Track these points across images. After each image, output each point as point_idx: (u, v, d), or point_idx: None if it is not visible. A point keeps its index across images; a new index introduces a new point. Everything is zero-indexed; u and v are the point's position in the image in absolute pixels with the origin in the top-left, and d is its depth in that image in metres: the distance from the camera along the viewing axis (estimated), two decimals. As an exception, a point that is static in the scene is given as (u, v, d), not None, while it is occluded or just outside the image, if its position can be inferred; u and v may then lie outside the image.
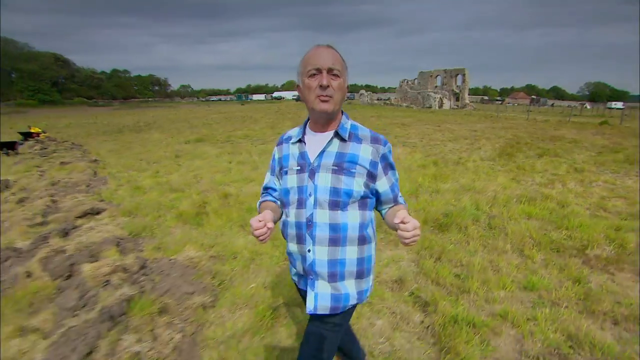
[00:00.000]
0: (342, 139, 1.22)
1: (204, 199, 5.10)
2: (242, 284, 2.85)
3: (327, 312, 1.25)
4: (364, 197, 1.23)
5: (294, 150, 1.30)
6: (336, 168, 1.19)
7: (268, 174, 1.45)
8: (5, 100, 56.33)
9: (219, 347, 2.18)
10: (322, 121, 1.24)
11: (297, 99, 78.44)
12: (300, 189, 1.24)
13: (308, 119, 1.32)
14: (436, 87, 45.08)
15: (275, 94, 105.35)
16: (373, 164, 1.22)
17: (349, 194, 1.19)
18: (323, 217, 1.20)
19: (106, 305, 2.35)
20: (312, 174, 1.22)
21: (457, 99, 41.77)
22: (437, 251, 3.34)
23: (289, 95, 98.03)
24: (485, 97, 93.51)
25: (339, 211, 1.20)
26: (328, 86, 1.13)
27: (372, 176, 1.23)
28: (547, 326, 2.31)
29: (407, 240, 1.03)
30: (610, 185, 5.83)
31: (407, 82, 48.42)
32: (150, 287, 2.67)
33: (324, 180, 1.20)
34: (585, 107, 50.86)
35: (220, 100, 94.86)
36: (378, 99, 55.67)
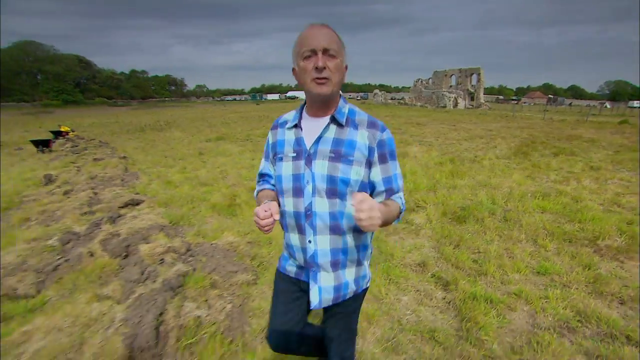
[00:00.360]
0: (339, 124, 1.17)
1: (233, 192, 5.46)
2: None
3: (330, 303, 1.26)
4: (363, 185, 1.20)
5: (289, 135, 1.25)
6: (333, 155, 1.15)
7: (263, 160, 1.41)
8: (32, 101, 58.67)
9: (264, 317, 2.50)
10: (318, 105, 1.19)
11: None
12: (297, 177, 1.20)
13: (305, 103, 1.28)
14: (451, 86, 44.84)
15: (289, 94, 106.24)
16: (370, 150, 1.17)
17: (346, 183, 1.15)
18: (322, 205, 1.17)
19: (166, 278, 2.70)
20: (309, 161, 1.17)
21: (472, 99, 41.49)
22: (456, 239, 3.60)
23: (302, 95, 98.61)
24: (501, 97, 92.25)
25: (338, 199, 1.17)
26: (324, 68, 1.08)
27: (370, 164, 1.19)
28: (557, 304, 2.56)
29: (362, 222, 0.97)
30: (626, 182, 5.96)
31: (422, 81, 48.28)
32: (199, 265, 3.02)
33: (321, 167, 1.15)
34: (605, 107, 49.80)
35: (235, 100, 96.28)
36: (392, 99, 55.60)
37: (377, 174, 1.20)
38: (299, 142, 1.21)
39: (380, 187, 1.22)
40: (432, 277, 2.96)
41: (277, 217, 1.12)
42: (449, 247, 3.46)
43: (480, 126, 16.49)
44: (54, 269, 3.15)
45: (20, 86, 62.16)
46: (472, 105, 40.40)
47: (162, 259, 3.07)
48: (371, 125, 1.19)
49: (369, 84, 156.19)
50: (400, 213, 1.23)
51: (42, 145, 10.84)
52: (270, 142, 1.34)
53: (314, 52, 1.08)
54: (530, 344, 2.16)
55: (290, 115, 1.29)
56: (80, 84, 70.70)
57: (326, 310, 1.37)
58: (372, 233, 1.33)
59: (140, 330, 2.11)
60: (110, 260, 3.15)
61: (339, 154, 1.15)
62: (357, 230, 1.22)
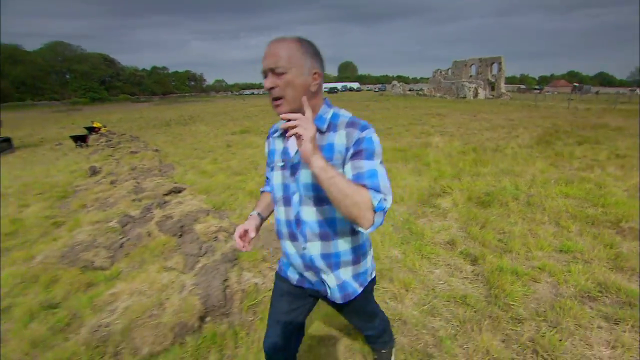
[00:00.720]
0: (320, 131, 1.14)
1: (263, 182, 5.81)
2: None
3: (341, 301, 1.31)
4: None
5: (278, 145, 1.26)
6: None
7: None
8: (62, 99, 61.39)
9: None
10: None
11: (330, 91, 79.06)
12: (285, 187, 1.21)
13: None
14: (471, 76, 44.03)
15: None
16: (346, 150, 1.10)
17: None
18: (310, 214, 1.18)
19: (223, 252, 3.07)
20: (294, 171, 1.18)
21: (493, 89, 40.67)
22: (481, 221, 3.84)
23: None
24: (523, 86, 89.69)
25: (326, 206, 1.15)
26: (272, 88, 1.06)
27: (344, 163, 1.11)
28: (579, 277, 2.78)
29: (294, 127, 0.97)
30: (652, 169, 5.99)
31: (441, 72, 47.56)
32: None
33: (305, 176, 1.15)
34: (636, 93, 47.79)
35: (253, 94, 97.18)
36: (410, 90, 55.02)
37: (348, 171, 1.07)
38: (285, 151, 1.22)
39: None
40: (460, 254, 3.22)
41: (252, 235, 1.31)
42: (475, 227, 3.70)
43: (501, 116, 16.35)
44: (120, 246, 3.58)
45: (51, 85, 65.64)
46: (493, 96, 39.63)
47: (215, 237, 3.45)
48: (350, 124, 1.11)
49: (386, 75, 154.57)
50: (375, 210, 1.00)
51: (80, 140, 11.53)
52: (266, 151, 1.36)
53: (265, 74, 1.08)
54: (553, 308, 2.41)
55: (280, 124, 1.24)
56: (105, 82, 73.59)
57: (337, 306, 1.41)
58: (365, 234, 1.30)
59: (211, 292, 2.48)
60: (169, 238, 3.54)
61: None
62: (348, 233, 1.22)
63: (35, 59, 65.19)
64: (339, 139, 1.11)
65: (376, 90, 76.42)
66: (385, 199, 1.03)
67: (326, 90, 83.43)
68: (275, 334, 1.40)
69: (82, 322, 2.47)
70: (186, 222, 3.86)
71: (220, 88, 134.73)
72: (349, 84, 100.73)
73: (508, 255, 3.16)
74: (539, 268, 2.92)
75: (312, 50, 1.10)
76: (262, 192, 1.52)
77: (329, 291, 1.30)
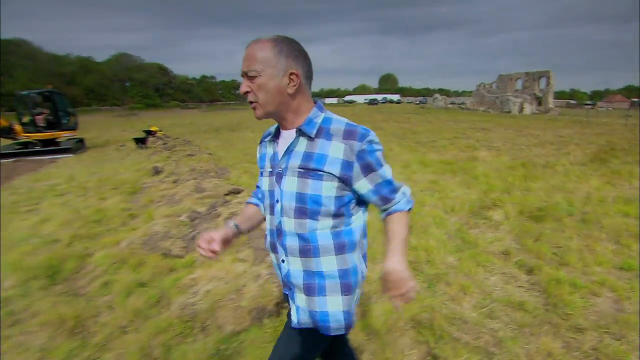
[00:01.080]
0: (309, 137, 1.06)
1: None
2: (379, 245, 3.70)
3: (309, 326, 1.17)
4: (339, 203, 1.07)
5: (269, 149, 1.19)
6: (302, 171, 1.05)
7: None
8: (121, 104, 67.71)
9: (372, 285, 3.03)
10: (277, 121, 1.14)
11: (370, 103, 79.27)
12: (271, 194, 1.15)
13: None
14: (516, 90, 42.52)
15: (347, 98, 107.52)
16: (346, 165, 1.02)
17: (316, 201, 1.04)
18: (290, 225, 1.10)
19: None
20: (280, 178, 1.10)
21: (540, 104, 38.99)
22: (535, 234, 3.87)
23: (360, 99, 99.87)
24: (572, 101, 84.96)
25: (308, 219, 1.07)
26: (246, 92, 1.04)
27: (347, 179, 1.04)
28: (642, 294, 2.77)
29: (400, 299, 1.04)
30: None
31: (485, 85, 46.37)
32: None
33: (290, 184, 1.07)
34: None
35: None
36: (452, 103, 53.89)
37: (364, 186, 1.07)
38: (274, 156, 1.15)
39: (371, 197, 1.11)
40: (515, 264, 3.29)
41: (215, 248, 1.13)
42: (528, 240, 3.74)
43: (549, 132, 15.74)
44: (192, 238, 3.97)
45: (114, 92, 72.79)
46: (540, 111, 37.96)
47: (278, 234, 3.75)
48: (348, 135, 1.03)
49: (427, 88, 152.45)
50: (409, 209, 1.16)
51: (140, 142, 12.54)
52: (257, 156, 1.29)
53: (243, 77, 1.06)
54: (617, 322, 2.43)
55: (273, 128, 1.20)
56: (159, 89, 79.95)
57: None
58: (362, 255, 1.21)
59: (283, 280, 2.75)
60: (236, 233, 3.89)
61: (308, 168, 1.04)
62: (337, 252, 1.10)
63: (103, 69, 73.30)
64: (335, 151, 1.03)
65: (417, 102, 75.53)
66: (404, 193, 1.15)
67: (366, 101, 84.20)
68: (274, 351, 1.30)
69: (169, 300, 2.83)
70: (250, 219, 4.20)
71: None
72: (389, 96, 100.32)
73: (565, 268, 3.19)
74: (599, 283, 2.93)
75: (288, 50, 1.02)
76: (247, 203, 1.39)
77: (295, 313, 1.17)
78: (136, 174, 7.94)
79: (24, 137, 12.17)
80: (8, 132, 12.07)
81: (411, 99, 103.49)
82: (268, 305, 2.57)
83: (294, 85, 1.03)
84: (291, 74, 1.02)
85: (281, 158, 1.11)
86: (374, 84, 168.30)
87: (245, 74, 1.03)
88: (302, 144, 1.07)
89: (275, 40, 1.02)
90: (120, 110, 57.85)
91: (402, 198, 1.14)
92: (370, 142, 1.04)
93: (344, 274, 1.11)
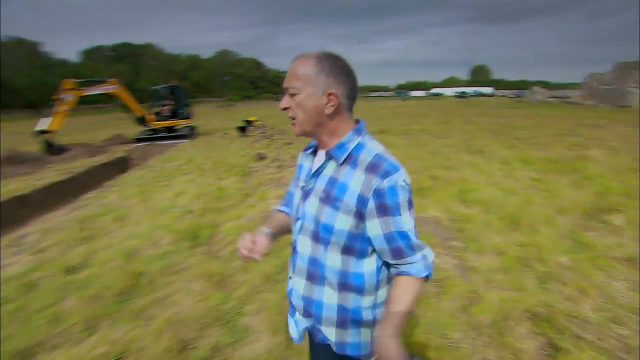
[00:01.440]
0: (336, 162, 1.00)
1: (417, 179, 6.04)
2: (485, 239, 3.58)
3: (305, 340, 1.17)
4: (351, 238, 0.98)
5: (307, 162, 1.14)
6: (323, 196, 1.00)
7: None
8: (221, 97, 76.19)
9: (483, 275, 2.96)
10: (315, 139, 1.09)
11: (459, 96, 74.21)
12: (297, 209, 1.11)
13: None
14: (637, 81, 35.38)
15: (434, 90, 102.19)
16: (361, 199, 0.94)
17: (329, 230, 0.98)
18: (305, 246, 1.06)
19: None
20: (306, 196, 1.07)
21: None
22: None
23: (448, 91, 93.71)
24: None
25: (320, 245, 1.02)
26: (285, 108, 1.01)
27: (361, 215, 0.96)
28: None
29: None
30: None
31: (596, 75, 39.54)
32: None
33: (312, 206, 1.03)
34: None
35: (379, 96, 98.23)
36: (553, 97, 47.31)
37: (373, 228, 0.96)
38: (308, 172, 1.11)
39: (380, 245, 0.97)
40: (647, 273, 2.89)
41: (257, 257, 1.07)
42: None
43: (700, 129, 12.87)
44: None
45: (215, 85, 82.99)
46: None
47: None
48: (371, 168, 0.94)
49: (524, 80, 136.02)
50: (426, 277, 0.99)
51: (242, 130, 13.83)
52: (297, 163, 1.24)
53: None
54: None
55: (315, 142, 1.13)
56: (254, 82, 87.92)
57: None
58: (375, 299, 1.06)
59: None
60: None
61: (330, 195, 0.99)
62: (339, 289, 1.02)
63: (208, 65, 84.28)
64: (355, 182, 0.95)
65: (512, 96, 67.79)
66: (424, 256, 0.98)
67: (456, 94, 78.69)
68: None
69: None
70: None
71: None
72: (481, 89, 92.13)
73: None
74: None
75: (330, 68, 0.96)
76: (277, 210, 1.32)
77: (294, 327, 1.18)
78: (242, 158, 8.78)
79: (154, 124, 14.50)
80: (143, 120, 14.44)
81: (505, 92, 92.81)
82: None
83: (332, 106, 0.97)
84: (330, 94, 0.96)
85: (311, 177, 1.07)
86: (463, 76, 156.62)
87: (286, 90, 1.00)
88: (331, 168, 1.02)
89: (319, 57, 0.97)
90: (220, 102, 64.05)
91: (421, 261, 0.97)
92: (394, 182, 0.92)
93: (343, 310, 1.04)
